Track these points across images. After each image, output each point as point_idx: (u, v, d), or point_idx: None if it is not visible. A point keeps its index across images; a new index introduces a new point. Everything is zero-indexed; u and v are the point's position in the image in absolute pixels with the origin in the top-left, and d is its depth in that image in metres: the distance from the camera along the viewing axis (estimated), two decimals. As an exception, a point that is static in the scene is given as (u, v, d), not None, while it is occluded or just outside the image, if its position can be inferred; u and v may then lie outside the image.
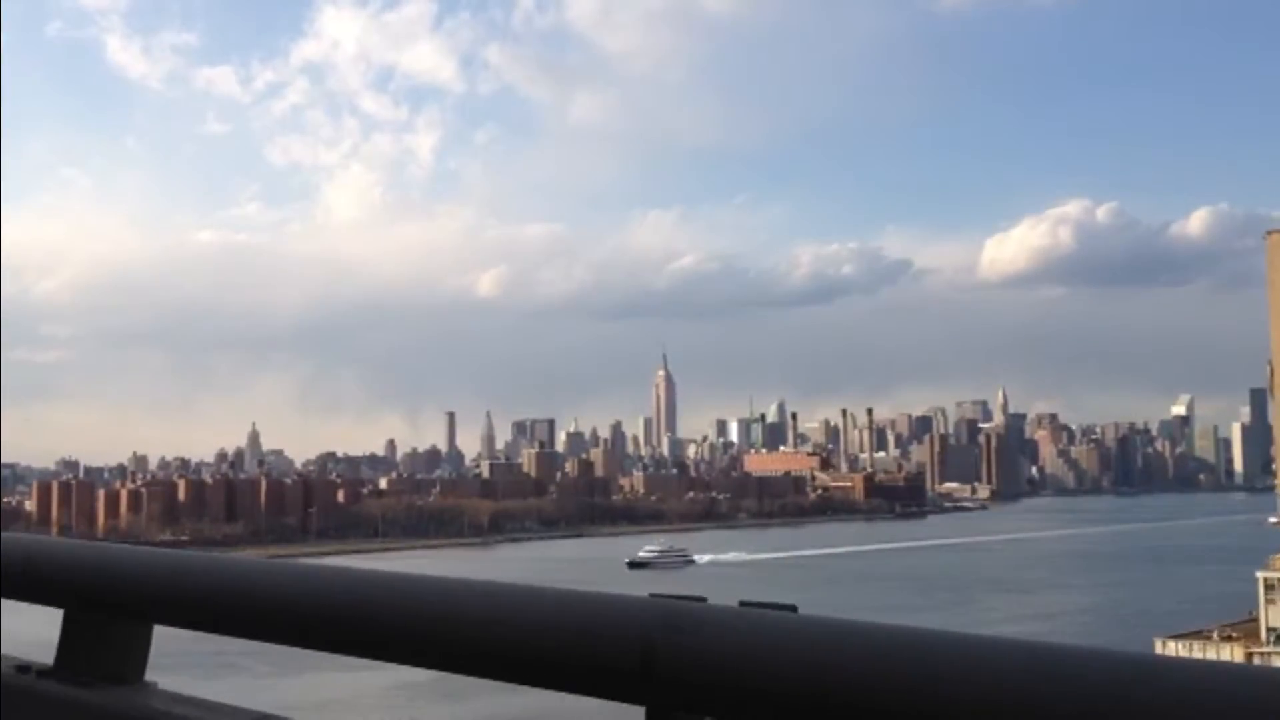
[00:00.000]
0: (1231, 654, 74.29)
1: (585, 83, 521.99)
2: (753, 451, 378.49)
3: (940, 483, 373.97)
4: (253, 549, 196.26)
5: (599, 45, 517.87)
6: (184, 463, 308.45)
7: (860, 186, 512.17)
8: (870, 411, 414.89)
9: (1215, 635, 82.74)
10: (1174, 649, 71.94)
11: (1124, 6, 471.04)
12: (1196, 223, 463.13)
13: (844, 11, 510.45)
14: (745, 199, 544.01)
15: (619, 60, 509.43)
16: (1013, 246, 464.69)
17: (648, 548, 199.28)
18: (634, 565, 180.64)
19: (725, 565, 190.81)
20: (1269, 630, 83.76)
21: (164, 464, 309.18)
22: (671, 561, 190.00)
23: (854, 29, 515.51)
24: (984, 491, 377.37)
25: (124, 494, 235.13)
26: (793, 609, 2.89)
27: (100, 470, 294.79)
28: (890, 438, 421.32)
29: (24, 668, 4.30)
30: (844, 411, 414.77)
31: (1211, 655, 72.21)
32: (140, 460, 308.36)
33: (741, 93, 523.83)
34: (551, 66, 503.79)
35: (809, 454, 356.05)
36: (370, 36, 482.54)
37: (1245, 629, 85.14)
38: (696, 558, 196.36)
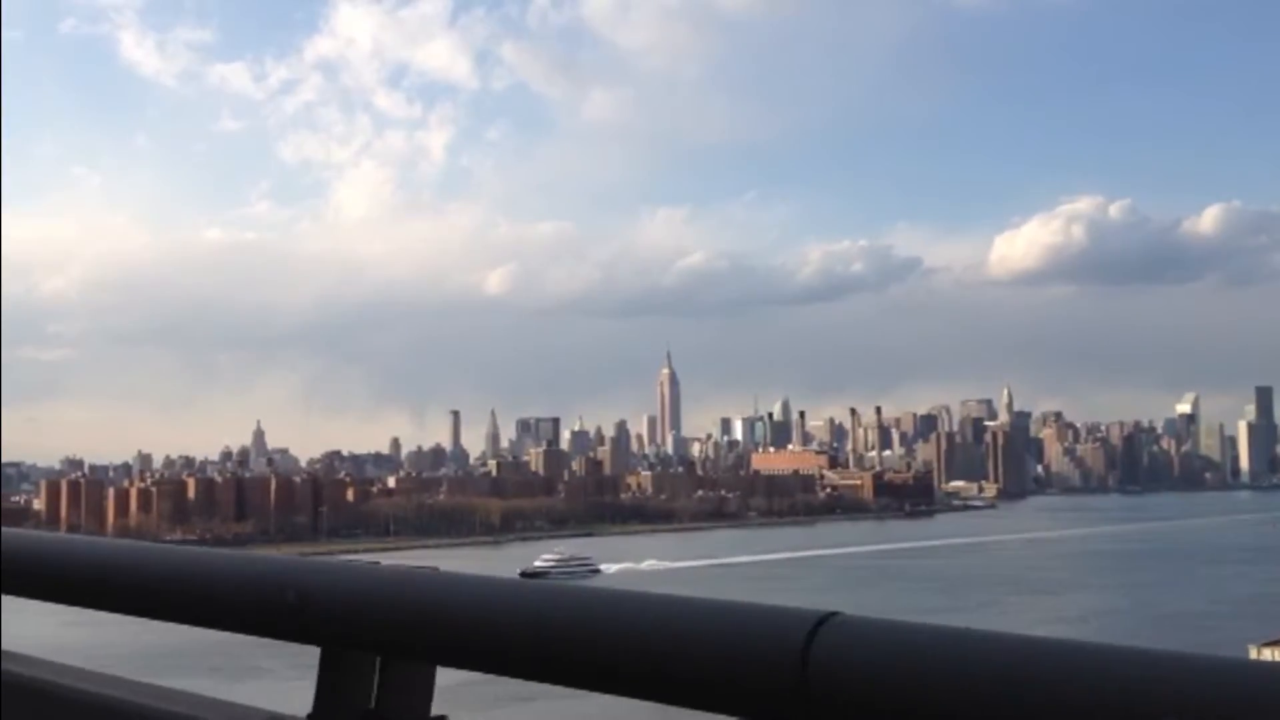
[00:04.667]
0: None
1: (599, 80, 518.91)
2: (760, 450, 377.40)
3: (946, 481, 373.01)
4: (263, 548, 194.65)
5: (614, 42, 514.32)
6: (189, 461, 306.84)
7: (872, 184, 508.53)
8: (879, 410, 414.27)
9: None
10: (1269, 656, 70.32)
11: (1138, 3, 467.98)
12: (1209, 219, 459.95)
13: (858, 10, 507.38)
14: (756, 196, 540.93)
15: (634, 57, 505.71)
16: (1023, 244, 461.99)
17: (544, 556, 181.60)
18: (527, 576, 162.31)
19: (641, 576, 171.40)
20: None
21: (169, 462, 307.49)
22: (572, 571, 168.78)
23: (868, 27, 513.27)
24: (990, 490, 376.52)
25: (133, 493, 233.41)
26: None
27: (105, 468, 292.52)
28: (895, 436, 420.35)
29: None
30: (852, 410, 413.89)
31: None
32: (145, 458, 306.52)
33: (755, 90, 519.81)
34: (566, 63, 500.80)
35: (817, 452, 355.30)
36: (385, 33, 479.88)
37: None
38: (604, 567, 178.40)
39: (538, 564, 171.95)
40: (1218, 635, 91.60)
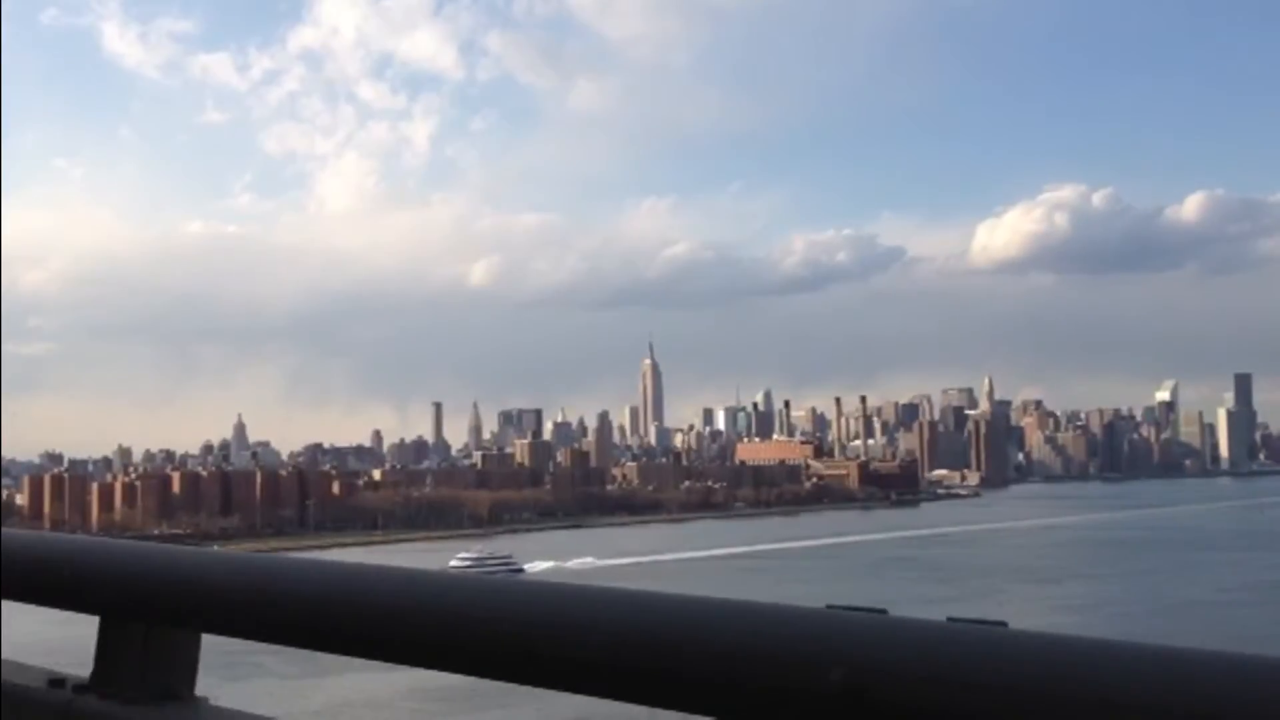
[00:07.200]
0: None
1: (585, 70, 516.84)
2: (745, 440, 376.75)
3: (929, 470, 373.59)
4: (250, 543, 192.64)
5: (600, 32, 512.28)
6: (169, 455, 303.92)
7: (858, 173, 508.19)
8: (864, 399, 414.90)
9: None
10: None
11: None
12: (1191, 207, 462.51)
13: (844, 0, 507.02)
14: (741, 186, 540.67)
15: (620, 47, 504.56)
16: (1005, 233, 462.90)
17: (461, 554, 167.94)
18: None
19: (569, 575, 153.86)
20: None
21: (149, 456, 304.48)
22: (493, 571, 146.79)
23: (854, 17, 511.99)
24: (973, 478, 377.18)
25: (117, 487, 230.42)
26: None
27: (85, 463, 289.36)
28: (877, 425, 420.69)
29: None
30: (837, 400, 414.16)
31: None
32: (125, 453, 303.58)
33: (741, 80, 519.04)
34: (551, 53, 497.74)
35: (803, 442, 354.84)
36: (369, 23, 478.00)
37: None
38: (528, 566, 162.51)
39: (454, 563, 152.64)
40: (1240, 628, 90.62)
